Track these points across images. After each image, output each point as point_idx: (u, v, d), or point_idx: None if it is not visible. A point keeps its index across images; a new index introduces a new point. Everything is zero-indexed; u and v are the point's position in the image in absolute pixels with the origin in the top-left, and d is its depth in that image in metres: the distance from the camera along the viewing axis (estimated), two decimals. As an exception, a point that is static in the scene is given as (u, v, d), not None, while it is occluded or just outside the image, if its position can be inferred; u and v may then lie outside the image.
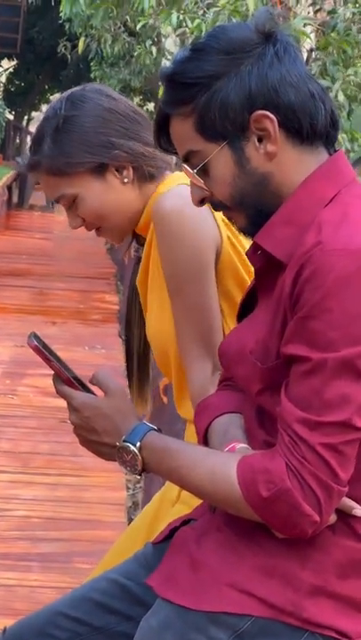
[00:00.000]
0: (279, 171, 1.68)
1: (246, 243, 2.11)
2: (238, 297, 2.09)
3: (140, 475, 1.76)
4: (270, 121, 1.65)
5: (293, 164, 1.68)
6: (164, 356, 2.20)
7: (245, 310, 1.82)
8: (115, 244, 2.23)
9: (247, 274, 2.10)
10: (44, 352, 1.76)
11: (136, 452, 1.71)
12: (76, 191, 2.13)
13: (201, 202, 1.75)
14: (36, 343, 1.75)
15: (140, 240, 2.28)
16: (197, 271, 2.04)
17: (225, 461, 1.64)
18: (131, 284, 2.35)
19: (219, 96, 1.65)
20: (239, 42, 1.66)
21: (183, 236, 2.02)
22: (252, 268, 2.06)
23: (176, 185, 2.11)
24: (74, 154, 2.12)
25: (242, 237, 2.10)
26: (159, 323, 2.17)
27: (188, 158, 1.72)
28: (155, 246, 2.12)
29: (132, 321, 2.40)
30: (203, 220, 2.04)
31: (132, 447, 1.71)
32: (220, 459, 1.67)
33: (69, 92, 2.20)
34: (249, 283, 2.07)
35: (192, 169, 1.71)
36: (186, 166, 1.72)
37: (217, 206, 1.74)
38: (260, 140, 1.67)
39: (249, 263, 2.08)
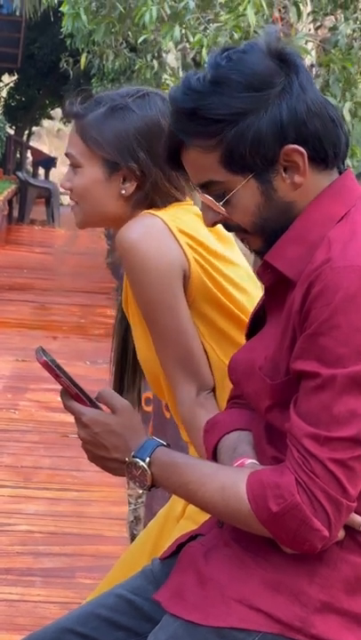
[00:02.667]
0: (302, 198, 1.69)
1: (225, 268, 2.12)
2: (215, 318, 2.10)
3: (148, 490, 1.77)
4: (301, 155, 1.65)
5: (314, 189, 1.69)
6: (156, 382, 2.21)
7: (255, 327, 1.83)
8: (80, 226, 2.30)
9: (223, 295, 2.10)
10: (53, 367, 1.76)
11: (145, 467, 1.71)
12: (82, 163, 2.19)
13: (214, 224, 1.76)
14: (45, 358, 1.75)
15: None
16: (165, 298, 2.05)
17: (234, 477, 1.65)
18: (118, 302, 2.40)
19: (250, 132, 1.64)
20: (264, 76, 1.65)
21: (146, 264, 2.04)
22: (231, 289, 2.08)
23: (142, 215, 2.13)
24: (106, 138, 2.17)
25: (214, 260, 2.11)
26: (146, 349, 2.18)
27: (206, 186, 1.72)
28: None
29: (115, 338, 2.43)
30: (165, 247, 2.05)
31: (141, 463, 1.72)
32: (229, 474, 1.67)
33: (149, 89, 2.25)
34: (226, 303, 2.08)
35: (211, 196, 1.71)
36: (206, 195, 1.72)
37: (233, 229, 1.75)
38: (285, 170, 1.67)
39: (224, 284, 2.09)
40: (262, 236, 1.72)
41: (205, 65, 1.71)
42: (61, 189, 2.30)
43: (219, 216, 1.73)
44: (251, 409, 1.80)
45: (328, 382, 1.55)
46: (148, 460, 1.72)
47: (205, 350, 2.10)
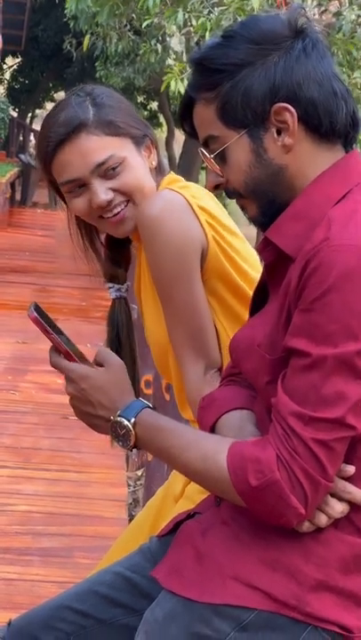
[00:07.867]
0: (294, 164, 1.70)
1: (237, 243, 2.13)
2: (227, 297, 2.10)
3: (131, 450, 1.78)
4: (290, 114, 1.67)
5: (309, 159, 1.70)
6: (162, 360, 2.22)
7: (257, 305, 1.83)
8: (118, 234, 2.17)
9: (238, 274, 2.10)
10: (43, 324, 1.77)
11: (130, 427, 1.73)
12: (125, 155, 2.11)
13: (215, 188, 1.77)
14: (35, 314, 1.75)
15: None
16: (183, 274, 2.05)
17: (217, 446, 1.66)
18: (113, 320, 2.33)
19: (243, 84, 1.67)
20: (269, 33, 1.68)
21: (167, 240, 2.03)
22: (248, 269, 2.09)
23: (161, 189, 2.13)
24: (118, 118, 2.12)
25: (232, 239, 2.11)
26: (156, 326, 2.18)
27: (207, 143, 1.74)
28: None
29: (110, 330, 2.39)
30: (187, 223, 2.05)
31: (125, 422, 1.73)
32: (212, 442, 1.69)
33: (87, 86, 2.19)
34: (239, 283, 2.08)
35: (210, 154, 1.73)
36: (204, 151, 1.74)
37: (230, 194, 1.76)
38: (278, 133, 1.69)
39: (243, 264, 2.09)
40: (256, 200, 1.73)
41: None
42: (102, 205, 2.08)
43: (219, 179, 1.75)
44: (248, 387, 1.81)
45: (318, 362, 1.56)
46: (133, 420, 1.73)
47: (216, 329, 2.11)
